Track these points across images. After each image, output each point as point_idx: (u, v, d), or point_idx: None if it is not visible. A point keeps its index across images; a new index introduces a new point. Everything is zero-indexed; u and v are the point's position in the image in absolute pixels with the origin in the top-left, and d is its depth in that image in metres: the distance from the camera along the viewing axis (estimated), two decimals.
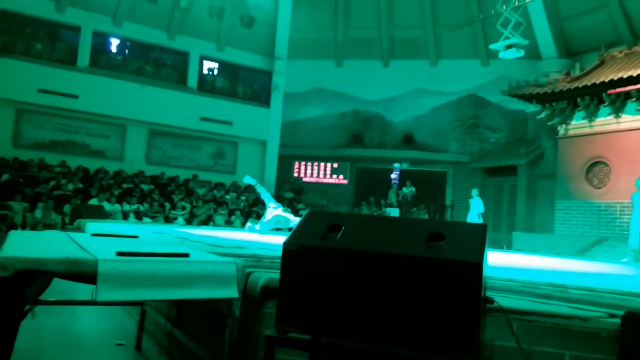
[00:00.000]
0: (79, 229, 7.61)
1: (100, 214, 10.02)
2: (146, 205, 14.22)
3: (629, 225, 11.00)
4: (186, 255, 2.64)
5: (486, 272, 2.01)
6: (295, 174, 20.55)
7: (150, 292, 2.45)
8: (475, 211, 13.53)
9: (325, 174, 20.51)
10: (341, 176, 20.36)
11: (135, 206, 13.80)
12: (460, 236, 2.03)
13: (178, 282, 2.48)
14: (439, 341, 1.87)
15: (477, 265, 1.85)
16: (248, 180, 9.73)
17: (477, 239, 2.01)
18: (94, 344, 4.52)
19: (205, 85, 18.45)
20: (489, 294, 2.37)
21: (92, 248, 2.79)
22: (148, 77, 17.23)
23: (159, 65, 17.74)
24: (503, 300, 2.44)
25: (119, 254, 2.57)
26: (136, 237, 3.96)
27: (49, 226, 11.73)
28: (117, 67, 16.95)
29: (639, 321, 2.11)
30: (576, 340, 2.25)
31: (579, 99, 14.15)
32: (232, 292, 2.57)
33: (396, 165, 18.56)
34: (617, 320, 2.18)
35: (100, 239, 3.60)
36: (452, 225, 2.21)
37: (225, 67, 18.90)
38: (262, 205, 16.95)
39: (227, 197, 16.82)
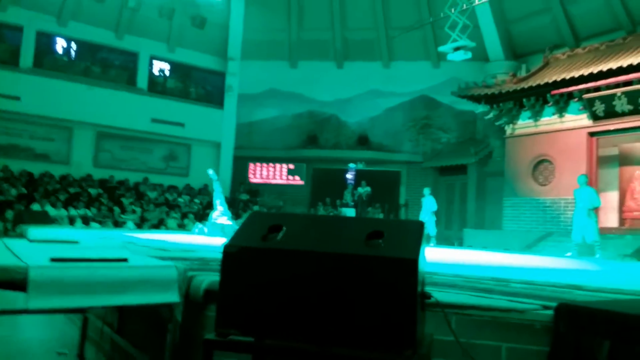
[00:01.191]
0: (22, 236, 7.30)
1: (44, 219, 9.64)
2: (94, 210, 13.78)
3: (572, 221, 11.46)
4: (124, 260, 2.56)
5: (423, 268, 2.04)
6: (251, 176, 20.40)
7: (86, 299, 2.37)
8: (428, 209, 13.78)
9: (281, 175, 20.46)
10: (297, 177, 20.36)
11: (82, 211, 13.34)
12: (398, 234, 2.05)
13: (116, 288, 2.40)
14: (377, 338, 1.88)
15: (413, 261, 1.87)
16: (211, 174, 9.81)
17: (414, 236, 2.03)
18: (35, 354, 4.37)
19: (156, 86, 18.05)
20: (433, 289, 2.41)
21: (25, 255, 2.67)
22: (95, 78, 16.70)
23: (107, 65, 17.23)
24: (445, 296, 2.49)
25: (53, 260, 2.47)
26: (76, 242, 3.82)
27: None
28: (63, 68, 16.35)
29: (571, 312, 2.19)
30: (513, 333, 2.31)
31: (524, 100, 14.65)
32: (172, 297, 2.52)
33: (351, 165, 18.71)
34: (551, 312, 2.25)
35: (37, 245, 3.47)
36: (391, 223, 2.23)
37: (176, 67, 18.55)
38: None
39: (180, 200, 16.52)
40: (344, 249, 2.00)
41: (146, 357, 2.91)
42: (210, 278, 2.70)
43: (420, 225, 2.15)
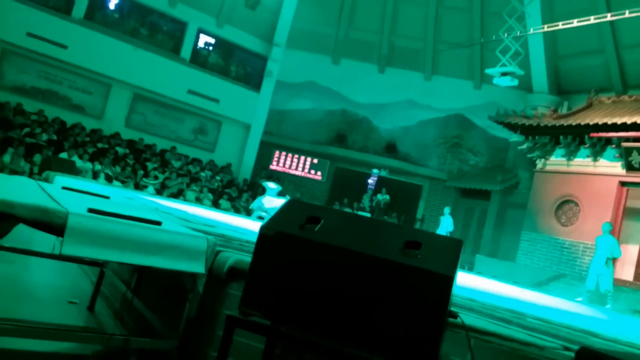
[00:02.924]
0: (47, 181, 7.42)
1: (70, 169, 9.78)
2: (118, 169, 13.97)
3: (588, 267, 11.27)
4: (158, 223, 2.60)
5: (455, 287, 2.03)
6: (274, 163, 20.48)
7: (117, 254, 2.41)
8: (445, 229, 13.70)
9: (304, 168, 20.50)
10: (319, 173, 20.38)
11: (107, 167, 13.54)
12: (436, 248, 2.05)
13: (147, 249, 2.44)
14: (398, 348, 1.88)
15: (449, 278, 1.87)
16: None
17: (451, 253, 2.03)
18: (44, 298, 4.41)
19: (199, 59, 18.18)
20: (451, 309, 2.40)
21: (63, 200, 2.72)
22: (142, 41, 16.89)
23: (155, 30, 17.40)
24: (466, 319, 2.47)
25: (91, 210, 2.51)
26: (107, 197, 3.88)
27: (16, 173, 11.42)
28: (112, 25, 16.56)
29: (592, 357, 2.16)
30: None
31: (561, 137, 14.42)
32: (199, 267, 2.54)
33: (375, 171, 18.67)
34: (571, 354, 2.22)
35: (71, 194, 3.53)
36: (430, 235, 2.22)
37: (221, 44, 18.65)
38: (237, 188, 16.87)
39: (202, 174, 16.65)
40: (381, 253, 2.00)
41: (159, 322, 2.95)
42: (236, 256, 2.72)
43: (459, 243, 2.14)
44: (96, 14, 16.31)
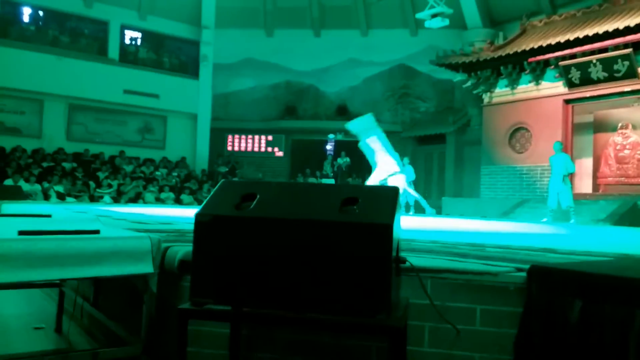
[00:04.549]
0: None
1: (17, 194, 9.44)
2: (69, 185, 13.52)
3: (547, 187, 11.65)
4: (96, 232, 2.51)
5: (398, 233, 2.03)
6: (229, 148, 20.22)
7: (57, 272, 2.32)
8: (407, 179, 13.83)
9: (260, 147, 20.33)
10: (276, 148, 20.25)
11: (57, 186, 13.09)
12: (373, 200, 2.04)
13: (88, 260, 2.36)
14: (352, 303, 1.89)
15: (388, 226, 1.87)
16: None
17: (388, 202, 2.02)
18: (11, 329, 4.29)
19: (128, 56, 17.53)
20: (410, 255, 2.42)
21: None
22: (65, 49, 16.15)
23: (77, 35, 16.64)
24: (421, 260, 2.50)
25: (21, 233, 2.40)
26: (49, 216, 3.74)
27: None
28: (30, 39, 15.76)
29: (543, 274, 2.22)
30: (487, 295, 2.34)
31: (502, 68, 14.67)
32: (146, 268, 2.48)
33: (331, 136, 18.64)
34: (524, 274, 2.28)
35: (7, 220, 3.38)
36: (366, 189, 2.21)
37: (149, 36, 18.01)
38: (196, 180, 16.60)
39: (157, 173, 16.30)
40: (318, 215, 1.99)
41: (122, 329, 2.89)
42: (185, 249, 2.67)
43: (395, 191, 2.14)
44: (10, 31, 15.48)
